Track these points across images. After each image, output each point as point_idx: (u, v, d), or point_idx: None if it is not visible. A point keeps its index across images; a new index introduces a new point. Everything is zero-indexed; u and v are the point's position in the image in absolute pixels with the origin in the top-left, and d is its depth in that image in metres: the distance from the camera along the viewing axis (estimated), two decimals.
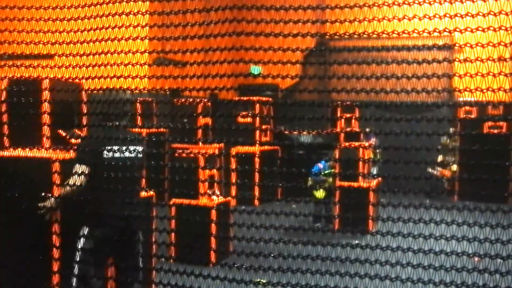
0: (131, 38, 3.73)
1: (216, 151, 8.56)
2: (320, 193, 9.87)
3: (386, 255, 3.02)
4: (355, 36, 3.41)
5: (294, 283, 2.99)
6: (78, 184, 3.82)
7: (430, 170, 12.28)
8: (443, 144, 13.72)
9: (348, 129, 13.68)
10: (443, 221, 2.91)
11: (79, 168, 3.85)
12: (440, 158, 12.97)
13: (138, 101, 8.24)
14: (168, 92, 6.59)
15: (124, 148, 4.02)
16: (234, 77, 3.72)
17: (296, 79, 3.65)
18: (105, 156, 3.95)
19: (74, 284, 3.86)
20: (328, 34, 3.81)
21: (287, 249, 3.29)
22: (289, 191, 12.12)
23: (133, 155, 4.07)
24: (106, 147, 3.97)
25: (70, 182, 3.83)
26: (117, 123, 4.00)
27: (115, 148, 3.99)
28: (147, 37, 3.78)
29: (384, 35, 3.39)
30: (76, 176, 3.82)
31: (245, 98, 13.10)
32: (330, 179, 9.86)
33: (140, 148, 4.14)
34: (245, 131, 11.11)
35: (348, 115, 14.05)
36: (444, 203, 3.46)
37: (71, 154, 4.16)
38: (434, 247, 2.96)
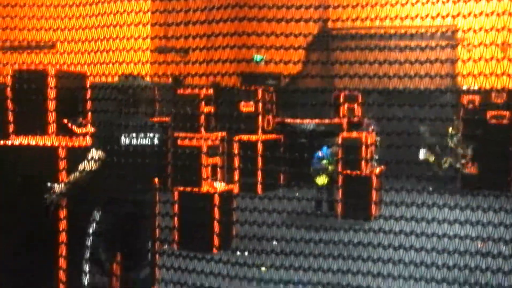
0: (134, 24, 3.72)
1: (219, 139, 8.55)
2: (322, 180, 9.87)
3: (389, 239, 3.04)
4: (358, 21, 3.40)
5: (297, 266, 3.01)
6: (95, 169, 3.83)
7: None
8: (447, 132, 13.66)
9: (351, 118, 13.66)
10: (446, 205, 2.92)
11: (95, 154, 3.85)
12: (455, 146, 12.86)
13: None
14: (170, 80, 6.56)
15: (143, 134, 4.02)
16: (237, 62, 3.70)
17: (299, 65, 3.64)
18: (123, 143, 3.95)
19: (86, 268, 3.88)
20: (330, 19, 3.80)
21: (290, 234, 3.30)
22: (292, 178, 12.16)
23: (151, 142, 4.08)
24: (131, 134, 3.96)
25: (86, 168, 3.83)
26: (135, 110, 4.00)
27: (142, 134, 4.00)
28: (150, 23, 3.77)
29: (387, 21, 3.36)
30: (92, 161, 3.82)
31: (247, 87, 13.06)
32: (332, 166, 9.85)
33: (157, 135, 4.14)
34: (248, 118, 11.13)
35: (351, 103, 14.02)
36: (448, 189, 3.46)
37: (78, 141, 4.16)
38: (437, 231, 2.97)
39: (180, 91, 7.46)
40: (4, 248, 4.21)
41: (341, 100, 14.01)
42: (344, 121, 13.60)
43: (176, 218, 5.91)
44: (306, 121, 13.45)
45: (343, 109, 14.03)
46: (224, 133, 9.86)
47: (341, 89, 14.34)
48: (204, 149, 6.83)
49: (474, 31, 3.09)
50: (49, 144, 4.15)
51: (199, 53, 3.59)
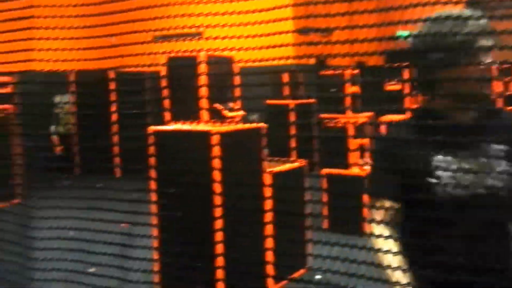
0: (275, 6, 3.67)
1: (366, 120, 8.35)
2: None
3: None
4: None
5: None
6: None
7: None
8: None
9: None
10: None
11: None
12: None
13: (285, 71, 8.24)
14: (314, 61, 6.51)
15: None
16: (380, 41, 3.45)
17: None
18: None
19: None
20: None
21: None
22: None
23: None
24: None
25: None
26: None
27: None
28: (291, 4, 3.70)
29: None
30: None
31: (393, 65, 12.57)
32: None
33: None
34: (394, 98, 10.68)
35: None
36: None
37: (230, 126, 4.18)
38: None
39: (324, 70, 7.40)
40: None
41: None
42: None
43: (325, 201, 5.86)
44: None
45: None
46: (371, 114, 9.63)
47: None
48: (351, 131, 6.71)
49: None
50: (202, 129, 4.24)
51: (341, 32, 3.43)
